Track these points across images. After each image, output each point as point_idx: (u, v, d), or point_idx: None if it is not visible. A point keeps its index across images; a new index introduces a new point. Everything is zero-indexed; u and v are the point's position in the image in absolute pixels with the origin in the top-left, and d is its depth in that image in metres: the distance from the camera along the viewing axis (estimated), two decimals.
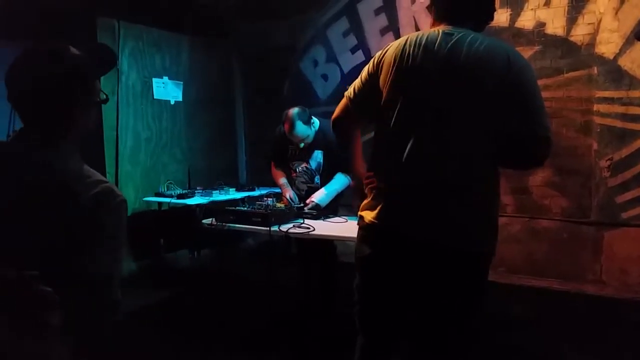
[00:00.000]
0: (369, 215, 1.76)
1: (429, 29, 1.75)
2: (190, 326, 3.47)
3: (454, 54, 1.60)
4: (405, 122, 1.66)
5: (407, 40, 1.70)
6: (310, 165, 3.51)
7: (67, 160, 1.21)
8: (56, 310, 1.33)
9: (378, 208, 1.72)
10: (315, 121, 3.40)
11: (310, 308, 3.62)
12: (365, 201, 1.81)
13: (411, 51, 1.66)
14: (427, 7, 1.85)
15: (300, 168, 3.56)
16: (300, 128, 3.29)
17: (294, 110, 3.31)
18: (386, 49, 1.77)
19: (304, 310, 3.64)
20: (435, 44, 1.64)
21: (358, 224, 1.85)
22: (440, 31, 1.68)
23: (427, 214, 1.63)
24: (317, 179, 3.51)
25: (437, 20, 1.77)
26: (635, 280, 3.84)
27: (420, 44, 1.66)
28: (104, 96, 1.34)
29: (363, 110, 1.84)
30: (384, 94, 1.71)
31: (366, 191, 1.81)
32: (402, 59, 1.67)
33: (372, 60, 1.83)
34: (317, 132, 3.40)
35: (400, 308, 1.77)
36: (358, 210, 1.85)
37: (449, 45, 1.62)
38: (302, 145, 3.40)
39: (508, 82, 1.56)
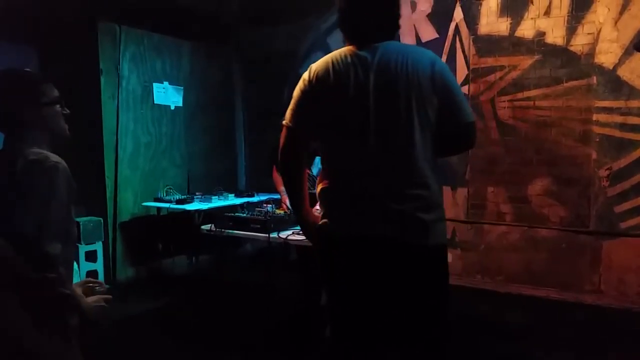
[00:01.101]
0: (328, 224, 1.81)
1: (347, 48, 1.84)
2: (188, 332, 3.46)
3: (386, 64, 1.73)
4: (354, 132, 1.74)
5: (333, 59, 1.81)
6: (311, 172, 3.51)
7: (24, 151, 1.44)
8: (75, 311, 1.42)
9: (336, 216, 1.79)
10: None
11: (309, 314, 3.61)
12: (322, 212, 1.85)
13: (343, 68, 1.77)
14: (340, 27, 1.92)
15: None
16: None
17: None
18: (315, 70, 1.84)
19: (303, 317, 3.63)
20: (364, 59, 1.75)
21: (320, 234, 1.87)
22: (363, 48, 1.78)
23: (385, 214, 1.71)
24: None
25: (351, 40, 1.86)
26: (634, 290, 3.84)
27: (349, 61, 1.77)
28: (57, 101, 1.60)
29: (306, 131, 1.86)
30: (326, 110, 1.80)
31: (321, 202, 1.86)
32: (336, 76, 1.77)
33: (301, 82, 1.88)
34: None
35: (377, 311, 1.80)
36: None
37: (377, 58, 1.74)
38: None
39: (436, 82, 1.73)
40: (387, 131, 1.71)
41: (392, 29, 1.88)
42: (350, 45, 1.84)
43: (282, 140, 1.88)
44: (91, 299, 1.53)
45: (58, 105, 1.61)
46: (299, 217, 1.99)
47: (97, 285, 1.61)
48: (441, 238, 1.77)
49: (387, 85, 1.72)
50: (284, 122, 1.88)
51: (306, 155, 1.96)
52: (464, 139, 1.86)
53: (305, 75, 1.87)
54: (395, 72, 1.71)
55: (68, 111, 1.66)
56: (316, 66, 1.85)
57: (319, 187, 1.87)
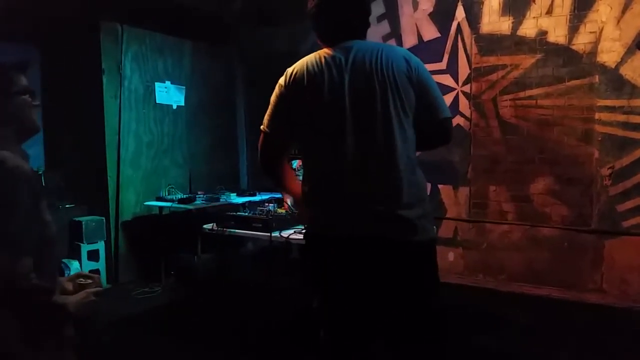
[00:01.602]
0: (315, 226, 1.83)
1: (322, 50, 1.85)
2: (190, 330, 3.47)
3: (360, 63, 1.74)
4: (332, 133, 1.75)
5: (308, 62, 1.82)
6: None
7: None
8: (69, 321, 1.37)
9: (322, 218, 1.80)
10: None
11: (310, 313, 3.61)
12: (309, 214, 1.86)
13: (318, 70, 1.77)
14: (313, 28, 1.93)
15: (297, 165, 3.57)
16: None
17: None
18: (290, 73, 1.86)
19: (304, 316, 3.63)
20: (338, 59, 1.76)
21: (306, 237, 1.89)
22: (336, 49, 1.80)
23: (371, 214, 1.70)
24: None
25: (325, 42, 1.88)
26: (636, 289, 3.83)
27: (323, 63, 1.78)
28: (27, 90, 1.45)
29: (283, 135, 1.88)
30: (303, 113, 1.81)
31: (306, 205, 1.87)
32: (311, 78, 1.78)
33: (278, 87, 1.90)
34: None
35: (370, 310, 1.80)
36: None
37: (351, 57, 1.75)
38: None
39: (412, 78, 1.75)
40: (366, 130, 1.71)
41: (363, 27, 1.90)
42: (324, 46, 1.86)
43: (260, 145, 1.91)
44: (79, 295, 1.44)
45: (27, 96, 1.46)
46: (291, 194, 2.10)
47: (88, 280, 1.52)
48: (428, 233, 1.77)
49: (362, 85, 1.72)
50: (261, 128, 1.90)
51: (286, 155, 1.99)
52: (441, 134, 1.88)
53: (282, 80, 1.88)
54: (369, 71, 1.72)
55: (38, 103, 1.52)
56: (292, 70, 1.86)
57: (302, 189, 1.87)
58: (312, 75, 1.78)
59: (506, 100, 4.29)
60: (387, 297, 1.76)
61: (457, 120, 4.55)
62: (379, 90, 1.71)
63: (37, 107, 1.50)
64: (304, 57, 1.90)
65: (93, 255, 4.59)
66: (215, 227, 3.28)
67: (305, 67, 1.81)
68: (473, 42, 4.41)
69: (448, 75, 4.55)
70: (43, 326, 1.35)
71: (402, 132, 1.72)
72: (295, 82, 1.82)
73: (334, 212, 1.76)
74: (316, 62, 1.80)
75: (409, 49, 5.07)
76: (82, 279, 1.53)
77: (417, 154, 1.82)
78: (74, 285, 1.50)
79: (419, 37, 4.71)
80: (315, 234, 1.84)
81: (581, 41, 3.96)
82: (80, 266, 4.46)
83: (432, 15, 4.63)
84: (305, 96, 1.79)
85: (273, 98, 1.90)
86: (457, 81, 4.52)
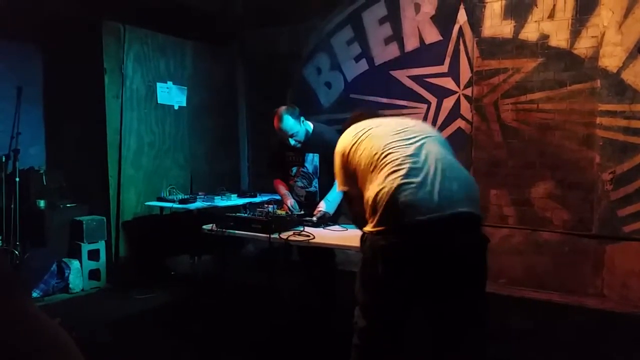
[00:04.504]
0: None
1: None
2: (190, 331, 3.46)
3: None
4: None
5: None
6: (307, 169, 3.52)
7: None
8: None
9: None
10: (307, 123, 3.46)
11: (310, 314, 3.61)
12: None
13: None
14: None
15: (297, 170, 3.58)
16: (289, 122, 3.34)
17: (282, 107, 3.42)
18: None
19: (304, 317, 3.63)
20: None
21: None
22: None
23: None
24: (315, 183, 3.51)
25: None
26: (637, 294, 3.82)
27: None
28: None
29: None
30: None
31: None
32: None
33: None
34: (313, 135, 3.44)
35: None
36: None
37: None
38: (292, 142, 3.41)
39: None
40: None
41: None
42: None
43: (350, 205, 2.29)
44: None
45: None
46: None
47: None
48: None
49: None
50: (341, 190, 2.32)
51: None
52: None
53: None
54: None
55: None
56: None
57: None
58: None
59: (507, 104, 4.29)
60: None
61: (458, 123, 4.55)
62: None
63: None
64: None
65: (93, 255, 4.59)
66: (214, 228, 3.27)
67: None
68: (475, 45, 4.41)
69: (449, 79, 4.55)
70: None
71: None
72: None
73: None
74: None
75: (410, 52, 5.11)
76: None
77: None
78: None
79: (421, 40, 4.71)
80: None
81: (583, 45, 3.95)
82: (81, 265, 4.47)
83: (434, 19, 4.63)
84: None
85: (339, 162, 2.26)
86: (458, 84, 4.52)
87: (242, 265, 5.11)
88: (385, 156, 1.95)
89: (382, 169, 1.93)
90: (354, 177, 2.11)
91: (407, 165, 1.88)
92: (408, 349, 2.00)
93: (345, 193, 2.35)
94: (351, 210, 2.38)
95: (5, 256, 4.03)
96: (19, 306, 0.82)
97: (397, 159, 1.91)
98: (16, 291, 0.86)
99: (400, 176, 1.85)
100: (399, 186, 1.82)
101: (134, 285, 4.46)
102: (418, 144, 1.98)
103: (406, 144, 1.98)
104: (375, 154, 1.99)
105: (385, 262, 1.83)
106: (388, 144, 1.99)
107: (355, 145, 2.12)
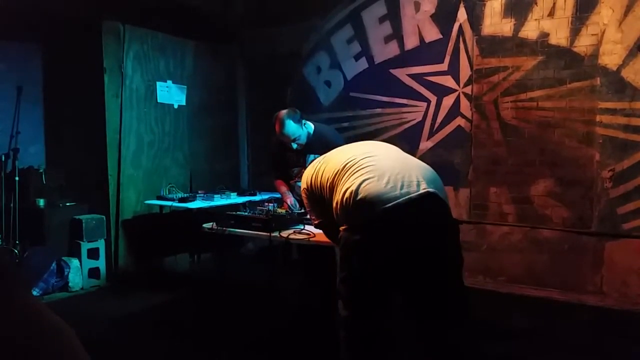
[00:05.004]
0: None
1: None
2: (190, 330, 3.47)
3: None
4: None
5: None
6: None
7: None
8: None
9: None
10: (309, 124, 3.45)
11: (310, 312, 3.61)
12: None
13: None
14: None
15: (298, 171, 3.58)
16: (290, 127, 3.33)
17: (283, 111, 3.39)
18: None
19: (304, 315, 3.63)
20: None
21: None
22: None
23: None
24: None
25: None
26: (636, 291, 3.83)
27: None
28: None
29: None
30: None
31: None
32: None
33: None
34: (314, 136, 3.43)
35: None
36: None
37: None
38: (294, 146, 3.41)
39: None
40: None
41: None
42: None
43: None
44: None
45: None
46: None
47: None
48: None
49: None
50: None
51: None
52: None
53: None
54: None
55: None
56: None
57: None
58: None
59: (507, 102, 4.29)
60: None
61: (458, 121, 4.55)
62: None
63: None
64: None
65: (93, 254, 4.59)
66: (215, 227, 3.28)
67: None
68: (475, 43, 4.41)
69: (449, 77, 4.55)
70: None
71: None
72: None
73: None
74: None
75: (410, 50, 5.10)
76: None
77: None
78: None
79: (421, 38, 4.71)
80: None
81: (583, 43, 3.95)
82: (80, 264, 4.47)
83: (433, 17, 4.63)
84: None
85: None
86: (458, 82, 4.52)
87: (241, 263, 5.12)
88: (345, 167, 2.17)
89: (344, 176, 2.14)
90: (322, 202, 2.32)
91: (367, 166, 2.09)
92: (401, 349, 2.07)
93: (319, 224, 2.56)
94: (327, 235, 2.61)
95: (8, 254, 4.04)
96: (22, 302, 0.84)
97: (356, 164, 2.13)
98: (20, 288, 0.88)
99: (362, 174, 2.06)
100: (362, 182, 2.03)
101: (133, 284, 4.46)
102: (375, 150, 2.24)
103: (362, 153, 2.22)
104: (336, 170, 2.21)
105: (359, 254, 2.02)
106: (346, 159, 2.21)
107: (315, 172, 2.37)
